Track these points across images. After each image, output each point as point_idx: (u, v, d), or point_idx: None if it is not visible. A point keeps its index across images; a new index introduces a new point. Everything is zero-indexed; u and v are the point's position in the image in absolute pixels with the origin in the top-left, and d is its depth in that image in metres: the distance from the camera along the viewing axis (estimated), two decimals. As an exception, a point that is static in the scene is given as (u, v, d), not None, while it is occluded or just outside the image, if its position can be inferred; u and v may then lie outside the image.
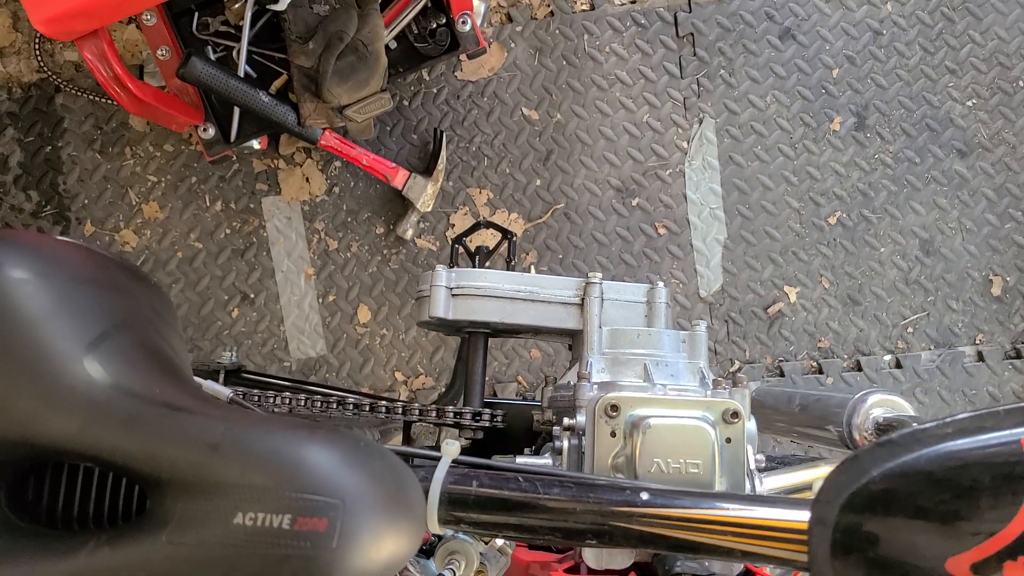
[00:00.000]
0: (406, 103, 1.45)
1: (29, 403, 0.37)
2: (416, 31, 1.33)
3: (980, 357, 1.51)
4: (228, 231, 1.43)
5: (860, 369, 1.50)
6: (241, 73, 1.28)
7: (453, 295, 0.73)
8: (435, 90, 1.45)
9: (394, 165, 1.38)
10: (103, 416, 0.37)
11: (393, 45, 1.34)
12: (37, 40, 1.40)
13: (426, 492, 0.51)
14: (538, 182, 1.46)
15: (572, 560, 0.63)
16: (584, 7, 1.47)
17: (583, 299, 0.74)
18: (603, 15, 1.46)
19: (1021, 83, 1.49)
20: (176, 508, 0.35)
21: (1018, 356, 1.51)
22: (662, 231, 1.47)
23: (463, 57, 1.44)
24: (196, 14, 1.31)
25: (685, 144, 1.47)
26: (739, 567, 0.57)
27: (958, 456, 0.39)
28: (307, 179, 1.44)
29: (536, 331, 0.76)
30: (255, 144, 1.36)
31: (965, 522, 0.37)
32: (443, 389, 1.41)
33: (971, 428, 0.40)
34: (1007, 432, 0.39)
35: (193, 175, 1.43)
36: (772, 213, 1.48)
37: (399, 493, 0.37)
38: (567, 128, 1.46)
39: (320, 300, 1.43)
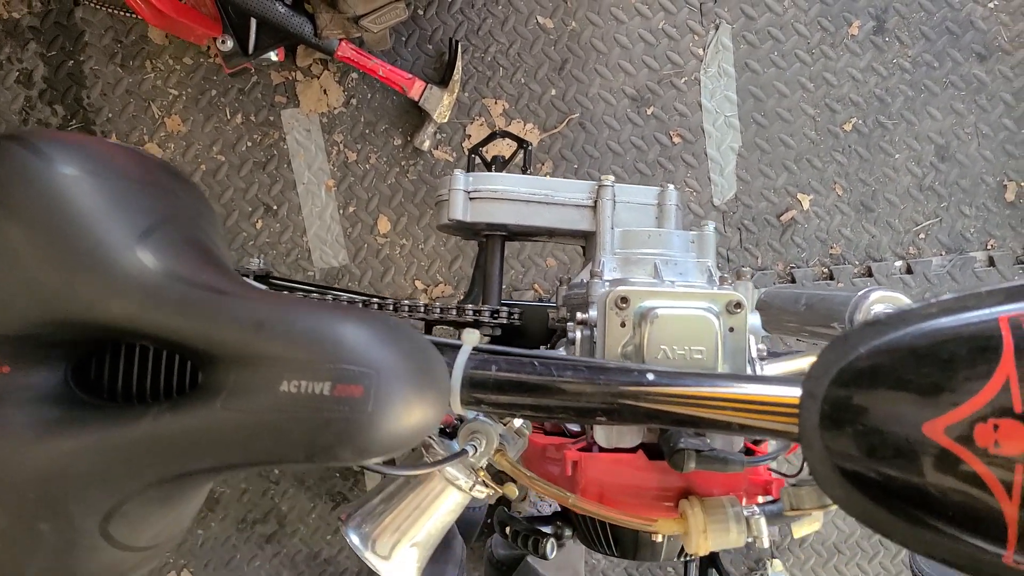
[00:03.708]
0: (420, 12, 1.45)
1: (90, 288, 0.41)
2: (429, -63, 1.32)
3: (991, 262, 1.53)
4: (249, 144, 1.46)
5: (871, 275, 1.53)
6: (256, -17, 1.28)
7: (471, 198, 0.77)
8: (449, -2, 1.45)
9: (410, 76, 1.39)
10: (157, 299, 0.41)
11: (406, -47, 1.33)
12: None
13: (449, 376, 0.56)
14: (553, 92, 1.46)
15: (584, 441, 0.68)
16: (599, -91, 1.44)
17: (596, 201, 0.77)
18: (619, -83, 1.43)
19: (1047, -18, 1.46)
20: (228, 379, 0.40)
21: (1028, 261, 1.52)
22: (676, 140, 1.48)
23: (477, -37, 1.42)
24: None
25: (701, 51, 1.47)
26: (739, 443, 0.62)
27: (940, 332, 0.43)
28: (325, 91, 1.45)
29: (551, 233, 0.80)
30: (272, 56, 1.37)
31: (942, 391, 0.41)
32: (461, 296, 1.46)
33: (954, 307, 0.43)
34: (987, 311, 0.42)
35: (213, 88, 1.45)
36: (787, 120, 1.48)
37: (426, 366, 0.42)
38: (582, 36, 1.45)
39: (341, 211, 1.47)
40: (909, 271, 1.53)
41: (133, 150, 0.49)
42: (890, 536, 0.45)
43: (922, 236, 1.52)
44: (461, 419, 0.63)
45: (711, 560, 1.05)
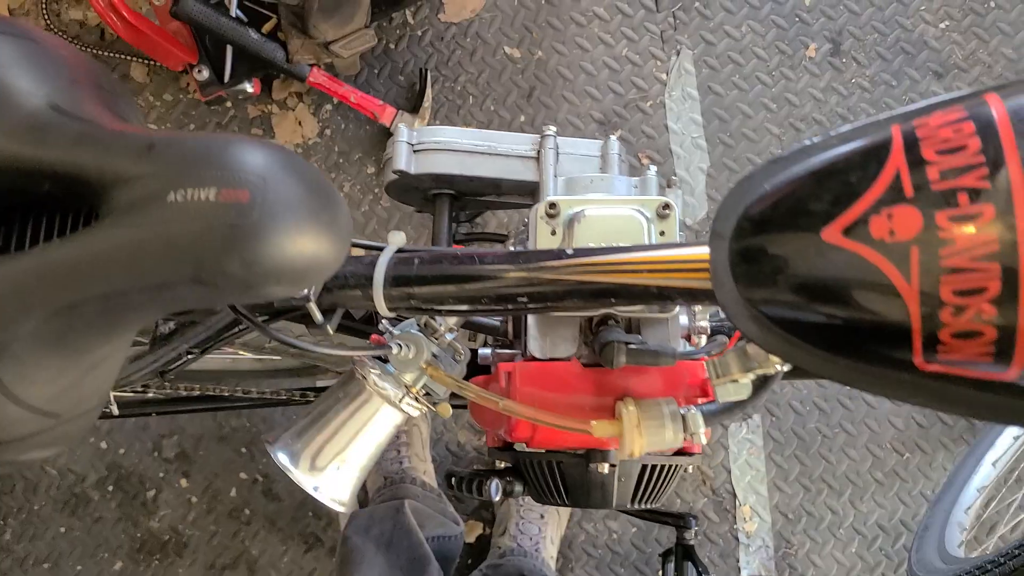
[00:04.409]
0: (392, 46, 1.51)
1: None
2: (397, -29, 1.39)
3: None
4: (226, 176, 1.49)
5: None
6: (233, 15, 1.34)
7: (415, 151, 0.78)
8: (420, 32, 1.51)
9: (382, 103, 1.43)
10: (57, 135, 0.42)
11: (376, -14, 1.40)
12: (44, 0, 1.48)
13: (373, 276, 0.56)
14: (522, 118, 1.50)
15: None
16: (561, -53, 1.52)
17: (539, 151, 0.78)
18: (580, -46, 1.51)
19: (992, 3, 1.52)
20: (120, 201, 0.40)
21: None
22: (645, 161, 1.51)
23: (445, 0, 1.49)
24: (189, -36, 1.38)
25: (664, 76, 1.51)
26: (677, 347, 0.60)
27: (840, 155, 0.42)
28: (300, 123, 1.49)
29: (497, 187, 0.80)
30: (248, 87, 1.42)
31: (838, 200, 0.40)
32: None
33: (853, 136, 0.43)
34: (882, 128, 0.41)
35: (192, 122, 1.49)
36: (753, 140, 1.51)
37: (322, 194, 0.41)
38: (548, 64, 1.51)
39: (315, 238, 1.48)
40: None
41: (45, 31, 0.50)
42: (808, 366, 0.43)
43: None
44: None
45: (687, 553, 1.01)
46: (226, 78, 1.37)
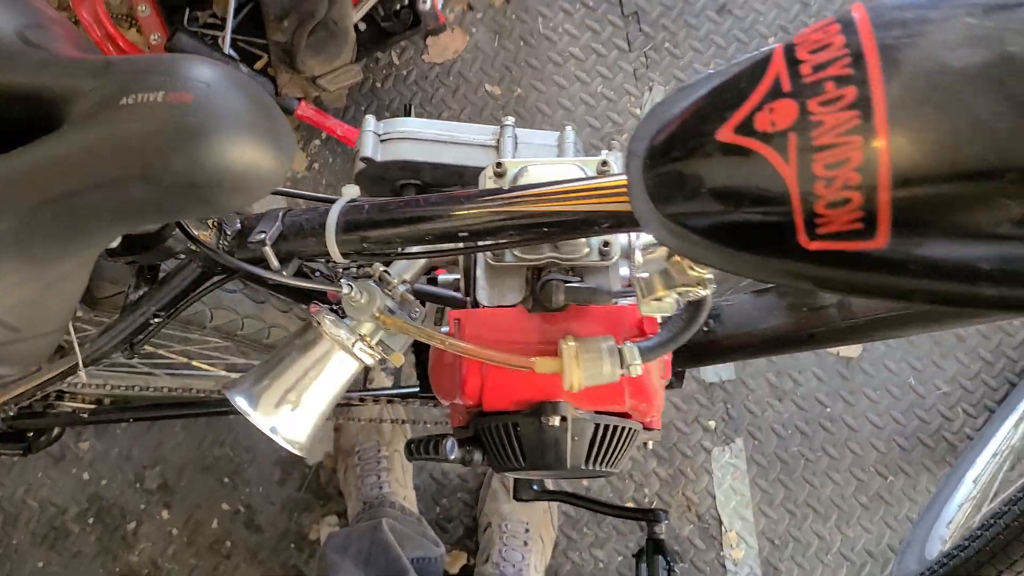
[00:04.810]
0: (379, 85, 1.58)
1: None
2: (382, 13, 1.48)
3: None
4: (217, 208, 1.55)
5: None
6: (226, 52, 1.42)
7: (382, 140, 0.83)
8: (405, 72, 1.59)
9: (367, 137, 1.50)
10: (23, 61, 0.47)
11: (363, 27, 1.48)
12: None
13: (326, 222, 0.60)
14: (503, 151, 1.57)
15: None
16: (538, -6, 1.62)
17: (498, 140, 0.83)
18: (555, 0, 1.60)
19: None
20: (78, 111, 0.44)
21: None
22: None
23: (429, 41, 1.58)
24: (187, 9, 1.47)
25: (638, 111, 1.58)
26: (615, 283, 0.63)
27: (732, 73, 0.47)
28: (289, 157, 1.56)
29: (460, 176, 0.85)
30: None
31: (728, 106, 0.44)
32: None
33: (747, 59, 0.48)
34: (770, 47, 0.46)
35: (185, 158, 1.56)
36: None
37: (264, 107, 0.46)
38: (528, 101, 1.58)
39: (302, 266, 1.53)
40: (861, 309, 1.56)
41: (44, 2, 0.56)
42: (718, 264, 0.47)
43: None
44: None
45: (657, 547, 1.01)
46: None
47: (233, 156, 0.44)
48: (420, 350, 0.97)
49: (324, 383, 0.62)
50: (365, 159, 0.81)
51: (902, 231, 0.39)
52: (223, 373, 1.06)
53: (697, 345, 0.82)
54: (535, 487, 1.04)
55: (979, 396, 1.53)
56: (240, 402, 0.61)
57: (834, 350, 1.55)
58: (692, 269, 0.51)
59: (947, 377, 1.53)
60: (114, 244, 0.54)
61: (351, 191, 0.61)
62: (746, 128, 0.43)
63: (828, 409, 1.54)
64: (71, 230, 0.46)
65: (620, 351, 0.58)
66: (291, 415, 0.61)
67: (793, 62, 0.42)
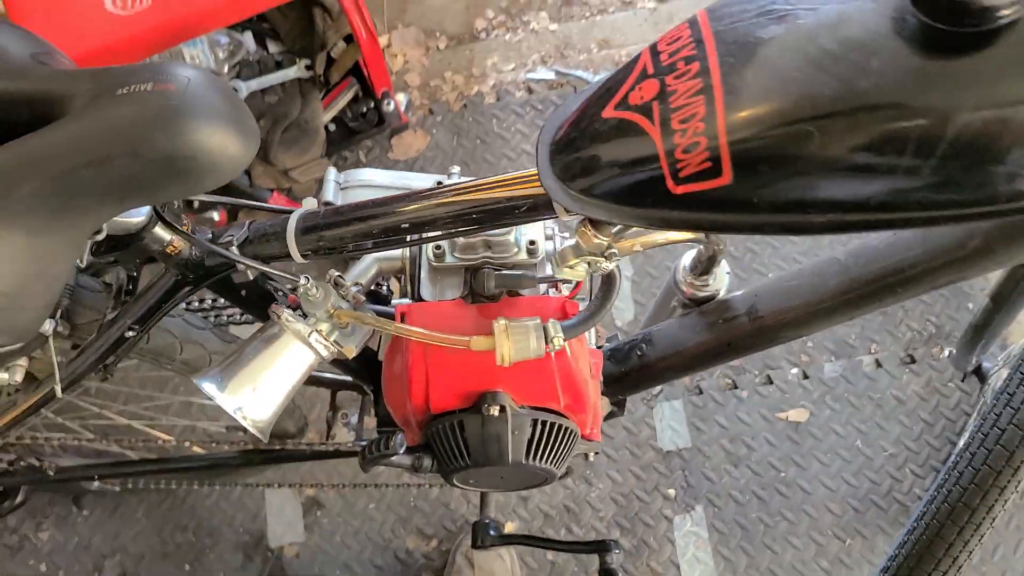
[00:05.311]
0: (347, 180, 1.72)
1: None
2: (350, 115, 1.63)
3: (878, 364, 1.65)
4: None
5: (771, 382, 1.64)
6: (204, 151, 1.55)
7: (342, 188, 0.93)
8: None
9: (335, 225, 1.61)
10: (34, 74, 0.57)
11: (332, 127, 1.63)
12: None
13: (287, 226, 0.69)
14: (462, 237, 1.68)
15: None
16: (491, 100, 1.79)
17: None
18: (507, 104, 1.78)
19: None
20: (79, 104, 0.54)
21: (913, 361, 1.65)
22: (574, 270, 1.67)
23: (393, 140, 1.73)
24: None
25: (587, 199, 1.72)
26: (542, 273, 0.71)
27: (616, 72, 0.58)
28: (262, 247, 1.66)
29: (412, 219, 0.95)
30: (215, 216, 1.60)
31: (611, 89, 0.56)
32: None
33: (626, 64, 0.60)
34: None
35: (163, 250, 1.65)
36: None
37: (235, 103, 0.56)
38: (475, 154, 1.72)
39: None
40: (805, 377, 1.64)
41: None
42: (616, 219, 0.56)
43: (810, 344, 1.66)
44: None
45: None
46: (195, 207, 1.55)
47: (207, 137, 0.53)
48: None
49: (282, 369, 0.69)
50: (327, 203, 0.91)
51: (740, 167, 0.49)
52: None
53: (633, 371, 0.90)
54: (492, 531, 1.08)
55: (924, 456, 1.59)
56: (207, 387, 0.67)
57: (783, 414, 1.62)
58: (596, 237, 0.60)
59: (892, 439, 1.60)
60: (100, 236, 0.63)
61: (310, 203, 0.70)
62: (623, 104, 0.54)
63: (782, 474, 1.59)
64: (64, 205, 0.54)
65: (545, 328, 0.66)
66: (252, 396, 0.67)
67: (655, 53, 0.54)
